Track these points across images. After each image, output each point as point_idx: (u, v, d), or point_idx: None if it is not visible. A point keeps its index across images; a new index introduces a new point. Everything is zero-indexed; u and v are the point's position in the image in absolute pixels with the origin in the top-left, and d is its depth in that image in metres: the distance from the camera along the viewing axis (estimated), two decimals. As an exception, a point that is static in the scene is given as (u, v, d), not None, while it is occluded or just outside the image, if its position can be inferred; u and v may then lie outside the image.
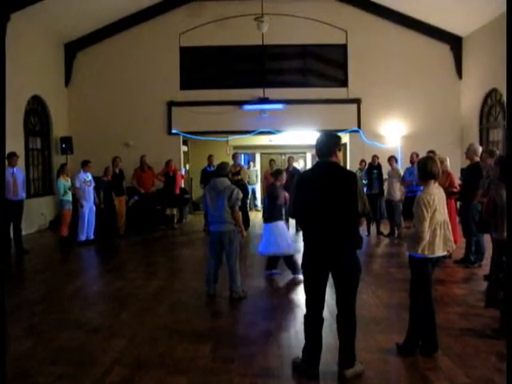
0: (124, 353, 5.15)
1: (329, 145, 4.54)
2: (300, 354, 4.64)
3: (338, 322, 4.52)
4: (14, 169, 10.68)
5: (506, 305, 5.06)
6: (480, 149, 8.94)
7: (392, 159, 12.45)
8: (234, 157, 14.31)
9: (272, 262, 8.53)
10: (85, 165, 11.97)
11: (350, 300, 4.49)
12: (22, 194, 10.86)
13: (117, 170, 13.33)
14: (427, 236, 4.78)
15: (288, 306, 6.87)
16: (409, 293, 5.05)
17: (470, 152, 8.76)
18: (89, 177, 11.95)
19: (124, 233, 13.11)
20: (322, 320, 4.54)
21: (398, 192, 11.97)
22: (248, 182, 16.01)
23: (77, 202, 11.70)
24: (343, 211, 4.37)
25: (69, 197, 11.52)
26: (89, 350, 5.23)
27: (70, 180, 11.70)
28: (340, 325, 4.52)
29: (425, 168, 4.91)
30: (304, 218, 4.58)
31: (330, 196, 4.36)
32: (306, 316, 4.59)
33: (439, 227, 4.84)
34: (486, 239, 8.67)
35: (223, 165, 7.44)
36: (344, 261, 4.40)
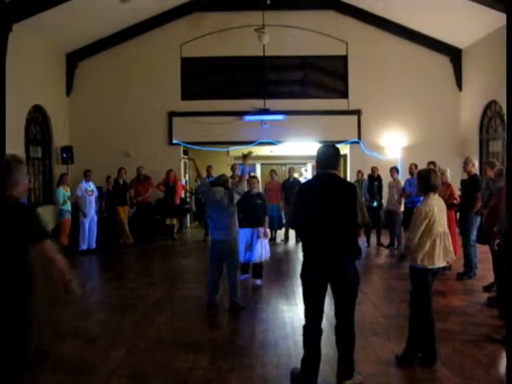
0: (123, 363, 5.15)
1: (329, 157, 4.57)
2: (298, 365, 4.64)
3: (337, 333, 4.52)
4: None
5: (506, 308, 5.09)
6: (476, 161, 9.02)
7: (393, 170, 12.48)
8: (233, 168, 14.34)
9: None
10: (86, 174, 12.01)
11: (349, 311, 4.49)
12: (23, 204, 10.83)
13: (121, 181, 13.39)
14: (415, 245, 4.82)
15: (287, 316, 6.86)
16: (408, 304, 5.05)
17: (467, 165, 8.82)
18: (91, 186, 11.99)
19: (134, 241, 13.17)
20: (320, 331, 4.54)
21: (398, 203, 11.97)
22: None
23: (76, 211, 11.72)
24: (343, 222, 4.38)
25: (68, 206, 11.56)
26: (87, 360, 5.23)
27: (69, 189, 11.73)
28: (339, 336, 4.52)
29: (427, 180, 4.93)
30: (304, 228, 4.58)
31: (330, 207, 4.37)
32: (304, 327, 4.59)
33: (439, 238, 4.86)
34: (481, 251, 8.71)
35: (220, 175, 7.67)
36: (343, 272, 4.40)
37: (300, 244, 10.65)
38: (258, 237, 8.24)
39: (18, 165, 3.72)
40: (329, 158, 4.55)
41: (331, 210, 4.37)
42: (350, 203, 4.39)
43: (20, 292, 3.56)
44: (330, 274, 4.40)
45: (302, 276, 4.56)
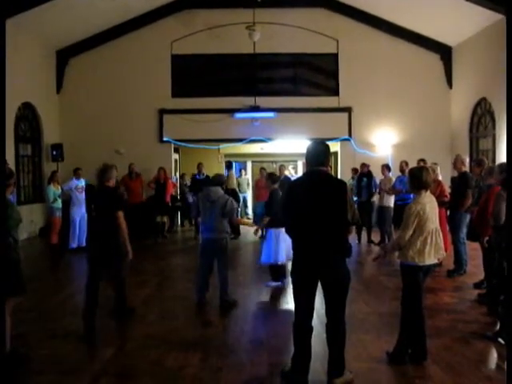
0: (112, 362, 5.12)
1: (319, 154, 4.54)
2: (289, 363, 4.63)
3: (328, 330, 4.51)
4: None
5: (506, 307, 5.12)
6: (467, 159, 9.04)
7: (383, 167, 12.49)
8: (228, 165, 14.39)
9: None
10: (76, 172, 11.95)
11: (340, 309, 4.48)
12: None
13: None
14: (405, 243, 4.83)
15: (277, 314, 6.86)
16: (400, 301, 5.05)
17: (457, 162, 8.86)
18: (82, 183, 11.91)
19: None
20: (311, 329, 4.52)
21: (389, 200, 11.98)
22: (239, 190, 16.00)
23: (67, 209, 11.67)
24: (333, 220, 4.36)
25: (58, 204, 11.49)
26: (77, 359, 5.20)
27: (60, 187, 11.68)
28: (329, 334, 4.50)
29: (419, 178, 4.92)
30: (294, 226, 4.56)
31: (319, 204, 4.35)
32: (294, 324, 4.56)
33: (430, 236, 4.86)
34: (471, 248, 8.76)
35: (219, 175, 7.62)
36: (333, 269, 4.39)
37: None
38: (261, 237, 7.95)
39: (110, 168, 6.51)
40: (318, 155, 4.53)
41: (321, 207, 4.35)
42: (340, 200, 4.38)
43: (113, 236, 6.28)
44: (321, 271, 4.39)
45: (292, 273, 4.55)
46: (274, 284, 8.21)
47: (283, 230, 7.93)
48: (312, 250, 4.38)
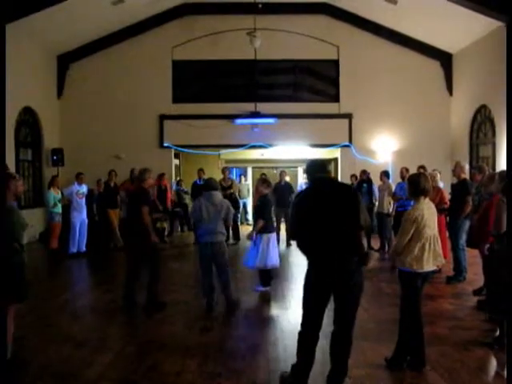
0: (110, 367, 5.11)
1: (321, 163, 4.68)
2: (288, 369, 4.60)
3: (334, 339, 4.44)
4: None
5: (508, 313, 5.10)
6: (467, 166, 9.04)
7: (382, 174, 12.48)
8: (224, 171, 14.32)
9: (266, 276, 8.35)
10: (78, 177, 11.94)
11: (351, 319, 4.40)
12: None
13: (111, 184, 13.29)
14: (402, 250, 4.83)
15: (276, 320, 6.84)
16: (399, 307, 5.04)
17: (456, 169, 8.86)
18: (83, 188, 11.91)
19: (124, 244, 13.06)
20: (317, 339, 4.46)
21: (388, 206, 11.97)
22: (239, 196, 15.99)
23: (67, 214, 11.65)
24: (347, 226, 4.30)
25: (58, 209, 11.47)
26: (75, 364, 5.18)
27: (60, 192, 11.68)
28: (336, 342, 4.43)
29: (417, 185, 4.92)
30: (309, 238, 4.41)
31: (332, 211, 4.30)
32: (301, 334, 4.48)
33: (428, 242, 4.84)
34: (471, 254, 8.74)
35: (213, 180, 7.67)
36: (350, 278, 4.29)
37: (291, 248, 10.69)
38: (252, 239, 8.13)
39: (145, 171, 7.43)
40: (321, 165, 4.64)
41: (334, 213, 4.29)
42: (353, 205, 4.34)
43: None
44: (336, 281, 4.29)
45: (307, 285, 4.45)
46: (262, 289, 8.24)
47: (274, 235, 8.24)
48: (328, 259, 4.29)
